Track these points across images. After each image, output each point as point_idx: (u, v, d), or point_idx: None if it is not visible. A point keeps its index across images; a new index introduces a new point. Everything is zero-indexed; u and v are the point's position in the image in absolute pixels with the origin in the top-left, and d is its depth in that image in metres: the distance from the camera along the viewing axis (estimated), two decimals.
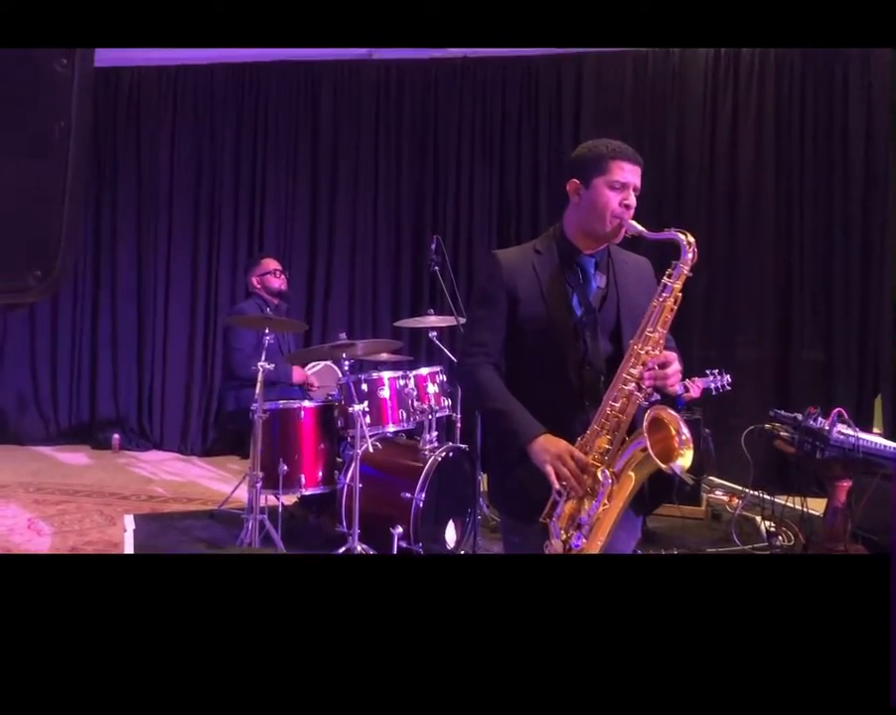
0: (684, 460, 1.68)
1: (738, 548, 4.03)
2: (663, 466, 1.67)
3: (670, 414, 1.73)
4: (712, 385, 4.20)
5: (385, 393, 3.88)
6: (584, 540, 1.72)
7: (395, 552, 3.56)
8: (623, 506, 1.74)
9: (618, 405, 1.75)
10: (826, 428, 3.48)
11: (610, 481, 1.71)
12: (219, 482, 5.43)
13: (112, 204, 6.35)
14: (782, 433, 3.69)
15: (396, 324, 4.72)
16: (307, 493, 3.93)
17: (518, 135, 6.05)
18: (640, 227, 1.83)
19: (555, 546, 1.74)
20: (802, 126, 5.64)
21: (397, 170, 6.19)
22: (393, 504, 3.68)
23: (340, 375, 4.03)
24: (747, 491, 4.37)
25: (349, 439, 3.91)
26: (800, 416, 3.64)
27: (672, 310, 1.77)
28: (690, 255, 1.78)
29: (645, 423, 1.68)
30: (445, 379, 4.15)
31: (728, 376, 4.24)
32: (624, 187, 1.83)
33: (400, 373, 3.99)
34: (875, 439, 3.50)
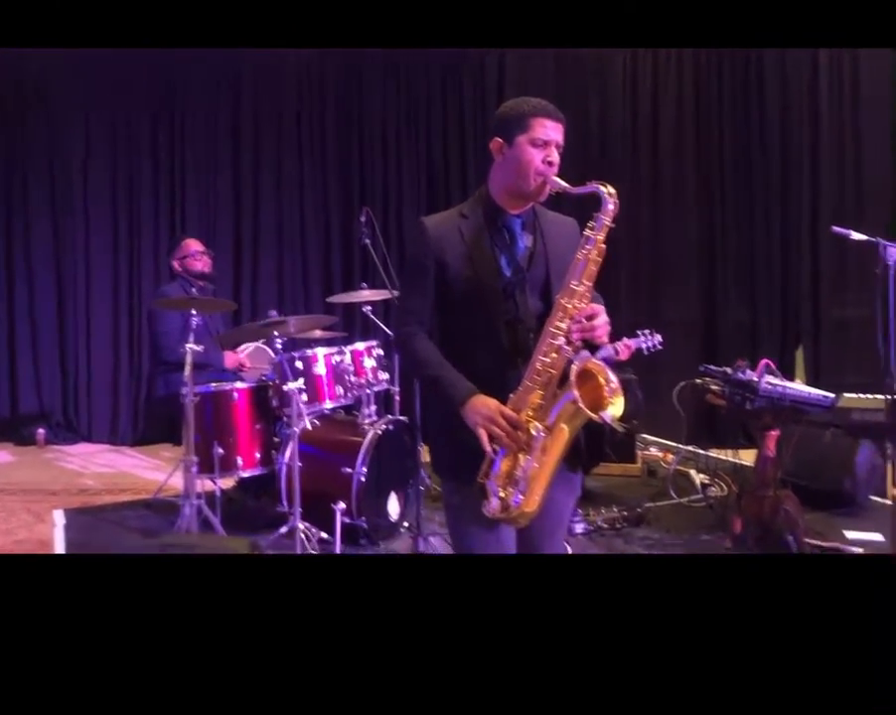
0: (615, 408, 1.70)
1: (675, 501, 4.15)
2: (593, 416, 1.69)
3: (597, 364, 1.75)
4: (644, 345, 4.27)
5: (321, 370, 3.82)
6: (522, 497, 1.72)
7: (339, 528, 3.53)
8: (557, 460, 1.75)
9: (548, 360, 1.75)
10: (755, 379, 3.57)
11: (543, 435, 1.71)
12: (152, 471, 5.29)
13: (24, 190, 6.04)
14: (712, 387, 3.77)
15: (329, 300, 4.65)
16: (245, 475, 3.87)
17: (443, 104, 6.02)
18: (563, 183, 1.83)
19: (494, 505, 1.74)
20: (720, 93, 5.77)
21: (322, 143, 6.09)
22: (334, 481, 3.64)
23: (272, 355, 3.95)
24: (681, 446, 4.48)
25: (285, 418, 3.85)
26: (729, 370, 3.73)
27: (596, 262, 1.78)
28: (612, 207, 1.79)
29: (572, 376, 1.69)
30: (382, 353, 4.11)
31: (659, 336, 4.32)
32: (546, 144, 1.83)
33: (336, 349, 3.93)
34: (801, 387, 3.62)
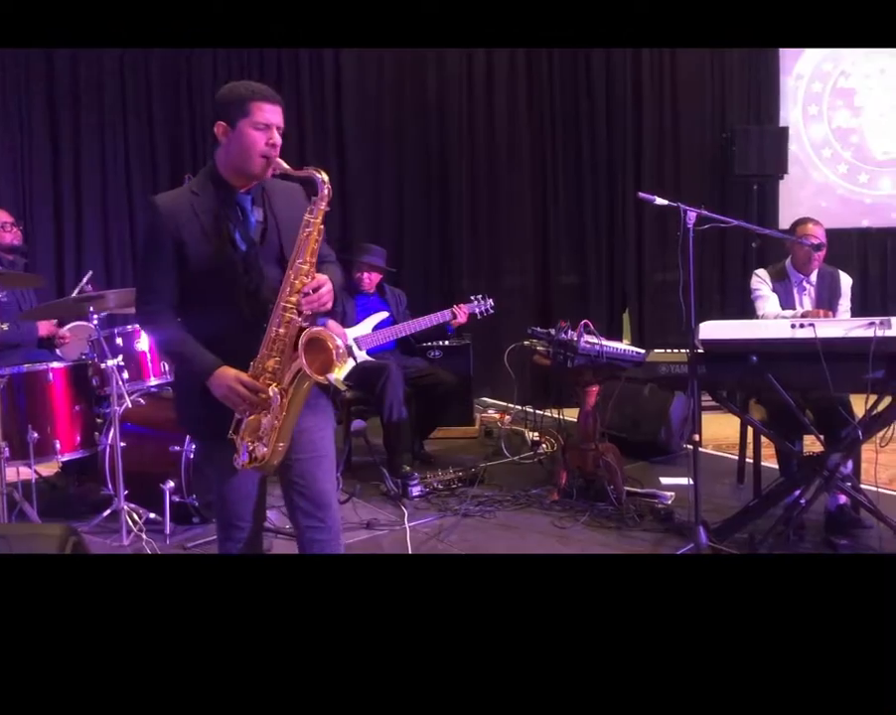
0: (339, 371, 1.92)
1: (508, 459, 4.32)
2: (319, 379, 1.90)
3: (325, 332, 1.93)
4: (477, 310, 4.41)
5: (143, 346, 3.68)
6: (266, 449, 1.91)
7: (168, 507, 3.43)
8: (295, 415, 1.94)
9: (281, 331, 1.92)
10: (575, 339, 3.75)
11: (279, 398, 1.91)
12: None
13: None
14: (538, 348, 3.93)
15: None
16: (65, 459, 3.66)
17: (278, 65, 5.86)
18: (286, 166, 1.95)
19: (243, 458, 1.94)
20: (551, 78, 5.99)
21: (148, 109, 5.77)
22: (163, 460, 3.53)
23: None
24: (515, 406, 4.66)
25: (110, 398, 3.67)
26: (553, 331, 3.90)
27: (316, 241, 1.93)
28: (326, 191, 1.92)
29: (301, 345, 1.89)
30: None
31: (491, 301, 4.47)
32: (268, 127, 1.93)
33: None
34: (616, 345, 3.83)
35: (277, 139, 1.94)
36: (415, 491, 3.84)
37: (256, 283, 1.96)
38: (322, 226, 1.94)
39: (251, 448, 1.92)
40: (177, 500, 3.49)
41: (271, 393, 1.90)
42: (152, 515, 3.47)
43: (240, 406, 1.91)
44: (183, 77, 5.80)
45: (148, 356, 3.69)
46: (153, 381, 3.73)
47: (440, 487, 3.90)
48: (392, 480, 3.88)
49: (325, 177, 1.92)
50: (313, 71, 5.90)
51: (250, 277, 1.96)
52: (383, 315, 4.27)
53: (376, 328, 4.22)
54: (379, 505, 3.75)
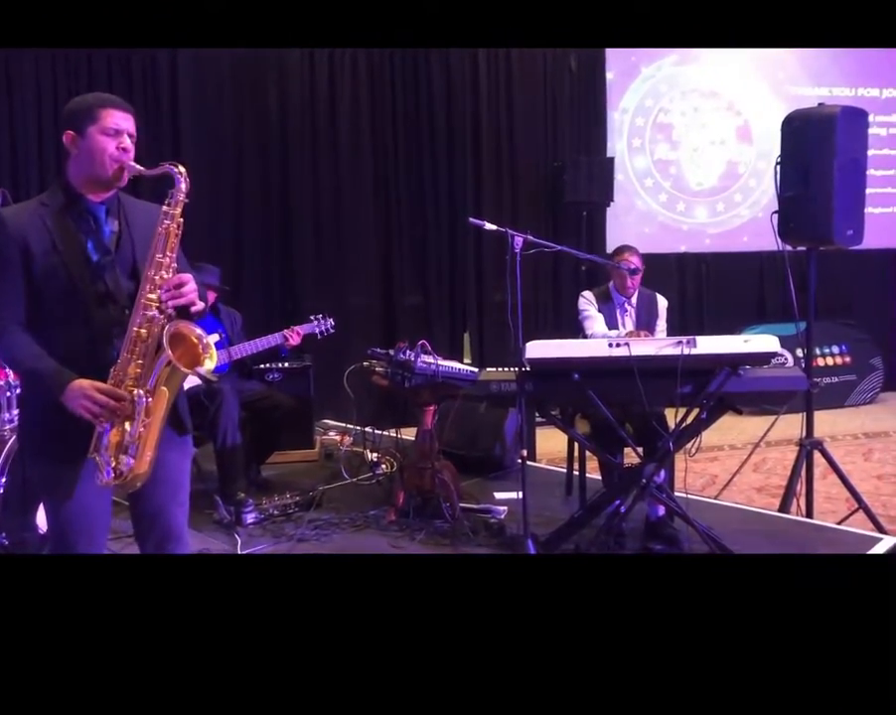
0: (209, 362, 1.91)
1: (347, 481, 4.30)
2: (189, 372, 1.88)
3: (188, 327, 1.91)
4: (316, 330, 4.37)
5: None
6: (133, 460, 1.85)
7: None
8: (162, 419, 1.89)
9: (143, 330, 1.87)
10: (412, 359, 3.80)
11: (145, 399, 1.85)
12: None
13: None
14: (377, 368, 3.95)
15: None
16: None
17: (108, 67, 5.59)
18: (139, 167, 1.96)
19: (108, 475, 1.85)
20: (393, 91, 6.08)
21: None
22: None
23: None
24: (355, 427, 4.65)
25: None
26: (391, 351, 3.93)
27: (176, 235, 1.93)
28: (184, 185, 1.94)
29: (165, 339, 1.84)
30: None
31: (331, 320, 4.44)
32: (118, 133, 1.94)
33: None
34: (452, 364, 3.91)
35: (128, 144, 1.94)
36: (250, 517, 3.73)
37: (109, 292, 1.93)
38: (181, 220, 1.91)
39: (115, 464, 1.84)
40: None
41: (136, 398, 1.83)
42: None
43: (100, 416, 1.83)
44: (1, 80, 5.41)
45: None
46: None
47: (276, 512, 3.81)
48: (226, 507, 3.75)
49: (181, 170, 1.93)
50: (146, 73, 5.68)
51: (103, 286, 1.92)
52: (215, 337, 4.13)
53: None
54: (211, 534, 3.61)
